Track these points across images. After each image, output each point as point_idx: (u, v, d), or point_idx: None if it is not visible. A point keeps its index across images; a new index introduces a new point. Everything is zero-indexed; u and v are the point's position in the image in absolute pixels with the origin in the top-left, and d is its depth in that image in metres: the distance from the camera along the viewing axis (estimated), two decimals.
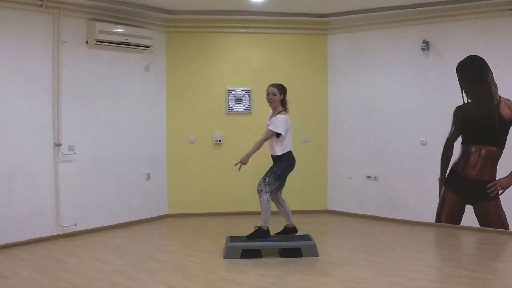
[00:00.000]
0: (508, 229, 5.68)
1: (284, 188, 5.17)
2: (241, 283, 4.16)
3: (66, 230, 5.64)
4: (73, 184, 5.70)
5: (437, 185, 6.16)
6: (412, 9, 6.03)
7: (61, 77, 5.55)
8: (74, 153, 5.69)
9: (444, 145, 6.09)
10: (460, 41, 5.92)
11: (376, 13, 6.28)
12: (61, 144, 5.57)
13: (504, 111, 5.67)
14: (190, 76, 6.75)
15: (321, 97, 7.01)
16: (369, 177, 6.71)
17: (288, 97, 5.06)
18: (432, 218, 6.20)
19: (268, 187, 4.86)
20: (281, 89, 4.99)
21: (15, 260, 4.74)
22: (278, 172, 4.91)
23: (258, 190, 4.87)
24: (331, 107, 7.00)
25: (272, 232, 5.02)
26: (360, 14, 6.42)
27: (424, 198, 6.24)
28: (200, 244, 5.38)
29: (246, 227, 5.43)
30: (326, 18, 6.72)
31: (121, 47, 6.02)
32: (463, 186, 5.98)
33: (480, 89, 5.82)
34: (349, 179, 6.88)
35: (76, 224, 5.71)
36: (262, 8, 6.33)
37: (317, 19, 6.74)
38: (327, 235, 5.93)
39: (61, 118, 5.57)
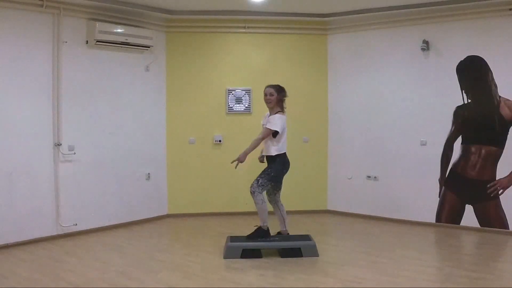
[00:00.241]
0: (508, 229, 5.68)
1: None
2: (241, 283, 4.16)
3: (66, 230, 5.64)
4: (73, 184, 5.70)
5: (437, 185, 6.16)
6: (412, 9, 6.03)
7: (61, 77, 5.55)
8: (74, 153, 5.69)
9: (444, 145, 6.09)
10: (460, 41, 5.92)
11: (376, 13, 6.28)
12: (61, 144, 5.57)
13: (504, 111, 5.67)
14: (190, 76, 6.74)
15: (321, 97, 7.00)
16: (369, 177, 6.70)
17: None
18: (432, 218, 6.20)
19: (261, 188, 4.84)
20: (278, 89, 4.99)
21: (15, 260, 4.73)
22: (272, 174, 4.90)
23: (251, 191, 4.85)
24: (331, 107, 7.00)
25: (272, 232, 5.02)
26: (360, 14, 6.42)
27: (424, 198, 6.23)
28: (200, 244, 5.38)
29: (246, 227, 5.43)
30: (326, 18, 6.72)
31: (121, 47, 6.03)
32: (463, 186, 5.98)
33: (480, 89, 5.82)
34: (349, 179, 6.88)
35: (76, 224, 5.71)
36: (262, 8, 6.33)
37: (317, 19, 6.74)
38: (327, 235, 5.92)
39: (61, 118, 5.57)
